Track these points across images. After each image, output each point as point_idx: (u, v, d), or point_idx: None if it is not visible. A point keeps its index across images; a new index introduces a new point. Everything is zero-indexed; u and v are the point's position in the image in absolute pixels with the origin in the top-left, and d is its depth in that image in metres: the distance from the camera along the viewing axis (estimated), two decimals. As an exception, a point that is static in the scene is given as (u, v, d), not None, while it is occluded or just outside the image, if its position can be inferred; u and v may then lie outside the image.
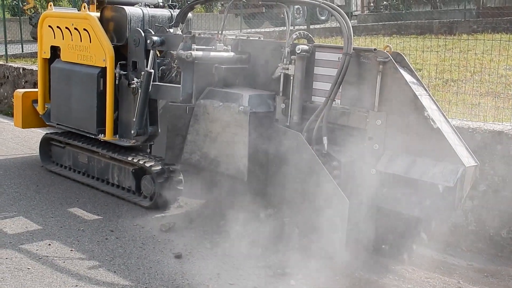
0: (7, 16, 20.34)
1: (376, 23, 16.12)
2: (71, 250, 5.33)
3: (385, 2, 25.42)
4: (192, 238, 5.64)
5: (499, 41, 8.07)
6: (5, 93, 12.36)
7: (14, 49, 15.34)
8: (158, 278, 4.84)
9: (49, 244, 5.45)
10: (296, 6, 20.23)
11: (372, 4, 24.72)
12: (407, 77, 5.14)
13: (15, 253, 5.24)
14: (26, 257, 5.16)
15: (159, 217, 6.18)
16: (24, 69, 11.77)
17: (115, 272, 4.94)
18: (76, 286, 4.67)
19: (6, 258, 5.11)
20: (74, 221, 6.04)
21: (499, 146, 5.78)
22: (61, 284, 4.70)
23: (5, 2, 17.26)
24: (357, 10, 22.96)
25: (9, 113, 11.38)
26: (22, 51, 15.25)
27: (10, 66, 12.35)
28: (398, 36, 12.93)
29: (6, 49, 13.84)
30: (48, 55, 7.37)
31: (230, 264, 5.09)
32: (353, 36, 5.37)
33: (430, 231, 5.38)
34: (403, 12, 20.55)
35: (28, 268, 4.94)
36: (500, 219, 5.73)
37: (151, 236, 5.69)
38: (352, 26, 5.45)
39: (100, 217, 6.19)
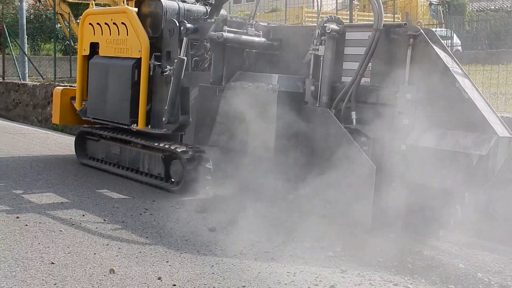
0: (59, 55, 21.16)
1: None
2: (104, 220, 5.35)
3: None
4: (227, 216, 5.51)
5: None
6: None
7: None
8: (190, 244, 4.77)
9: (83, 215, 5.48)
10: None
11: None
12: (438, 50, 5.06)
13: (49, 219, 5.29)
14: (59, 223, 5.20)
15: (194, 200, 6.14)
16: (71, 86, 12.10)
17: (147, 237, 4.91)
18: (107, 245, 4.67)
19: (40, 223, 5.17)
20: (109, 201, 6.07)
21: None
22: (92, 243, 4.69)
23: (56, 44, 18.05)
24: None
25: (54, 128, 11.67)
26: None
27: (58, 85, 12.72)
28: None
29: (55, 72, 14.36)
30: (87, 52, 7.57)
31: (265, 237, 4.96)
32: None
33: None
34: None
35: (61, 230, 4.97)
36: None
37: (186, 215, 5.65)
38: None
39: (135, 199, 6.20)
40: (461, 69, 5.11)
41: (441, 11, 28.20)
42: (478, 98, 4.92)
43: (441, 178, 4.81)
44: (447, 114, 4.88)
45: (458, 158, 4.71)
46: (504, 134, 4.75)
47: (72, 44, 20.61)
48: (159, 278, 4.01)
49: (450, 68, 4.92)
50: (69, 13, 20.73)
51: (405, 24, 5.23)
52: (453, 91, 4.85)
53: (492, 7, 36.91)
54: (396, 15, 23.99)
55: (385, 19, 5.30)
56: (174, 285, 3.91)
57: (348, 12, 18.09)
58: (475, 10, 36.18)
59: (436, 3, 28.26)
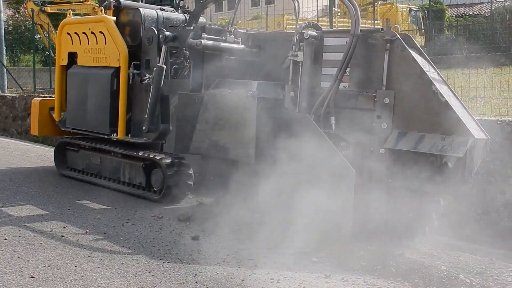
0: (39, 66, 20.99)
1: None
2: (86, 232, 5.30)
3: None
4: (211, 225, 5.52)
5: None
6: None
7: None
8: (173, 253, 4.75)
9: (64, 227, 5.43)
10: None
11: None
12: (415, 54, 5.11)
13: (28, 232, 5.23)
14: (40, 235, 5.14)
15: (176, 209, 6.12)
16: (51, 96, 11.99)
17: (129, 248, 4.87)
18: (89, 257, 4.62)
19: (19, 236, 5.11)
20: (91, 212, 6.02)
21: None
22: (73, 255, 4.64)
23: (35, 56, 17.90)
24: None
25: (35, 140, 11.58)
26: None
27: (37, 96, 12.61)
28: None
29: (34, 83, 14.25)
30: (65, 62, 7.53)
31: (250, 245, 4.96)
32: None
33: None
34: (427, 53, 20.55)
35: (41, 243, 4.92)
36: None
37: (168, 224, 5.63)
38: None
39: (117, 209, 6.15)
40: (437, 73, 5.16)
41: (420, 17, 28.47)
42: (454, 101, 4.97)
43: (420, 181, 4.84)
44: (425, 117, 4.92)
45: (436, 160, 4.75)
46: (480, 137, 4.81)
47: (52, 54, 20.44)
48: (142, 289, 3.97)
49: (426, 72, 4.97)
50: (48, 24, 20.58)
51: (382, 29, 5.28)
52: (430, 95, 4.90)
53: (470, 13, 37.33)
54: (376, 21, 24.18)
55: (366, 26, 5.34)
56: (157, 295, 3.88)
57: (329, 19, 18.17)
58: (454, 15, 36.57)
59: (415, 9, 28.52)
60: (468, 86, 8.46)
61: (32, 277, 4.13)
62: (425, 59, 5.21)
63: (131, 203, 6.42)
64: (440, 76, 5.18)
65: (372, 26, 22.44)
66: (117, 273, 4.26)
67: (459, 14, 37.49)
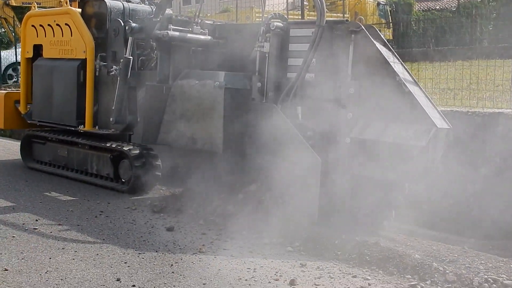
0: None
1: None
2: (59, 224, 5.24)
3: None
4: (185, 216, 5.53)
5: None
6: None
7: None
8: (149, 244, 4.74)
9: (36, 220, 5.37)
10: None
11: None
12: (379, 46, 5.19)
13: (0, 225, 5.15)
14: (12, 229, 5.07)
15: (150, 201, 6.11)
16: (18, 90, 11.83)
17: (103, 239, 4.85)
18: (63, 249, 4.58)
19: (-10, 230, 5.05)
20: (64, 205, 5.96)
21: (499, 127, 5.70)
22: (46, 247, 4.60)
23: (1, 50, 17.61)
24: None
25: (2, 134, 11.43)
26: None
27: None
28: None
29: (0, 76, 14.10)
30: (31, 55, 7.46)
31: (225, 235, 4.98)
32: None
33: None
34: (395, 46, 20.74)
35: (13, 236, 4.86)
36: (504, 202, 5.57)
37: (142, 215, 5.62)
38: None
39: (89, 201, 6.12)
40: (401, 64, 5.25)
41: (388, 10, 28.73)
42: (417, 91, 5.06)
43: (384, 170, 4.93)
44: (389, 107, 5.00)
45: (400, 149, 4.83)
46: (443, 126, 4.91)
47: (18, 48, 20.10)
48: (118, 280, 3.96)
49: (390, 63, 5.06)
50: (13, 17, 20.19)
51: (346, 20, 5.36)
52: (394, 85, 4.98)
53: (437, 7, 37.79)
54: (345, 15, 24.31)
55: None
56: (134, 285, 3.87)
57: (300, 12, 18.23)
58: (421, 10, 36.97)
59: (383, 3, 28.76)
60: (439, 78, 8.58)
61: (6, 269, 4.08)
62: (389, 50, 5.29)
63: (102, 195, 6.38)
64: (404, 67, 5.27)
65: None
66: (93, 265, 4.24)
67: (426, 8, 37.92)
